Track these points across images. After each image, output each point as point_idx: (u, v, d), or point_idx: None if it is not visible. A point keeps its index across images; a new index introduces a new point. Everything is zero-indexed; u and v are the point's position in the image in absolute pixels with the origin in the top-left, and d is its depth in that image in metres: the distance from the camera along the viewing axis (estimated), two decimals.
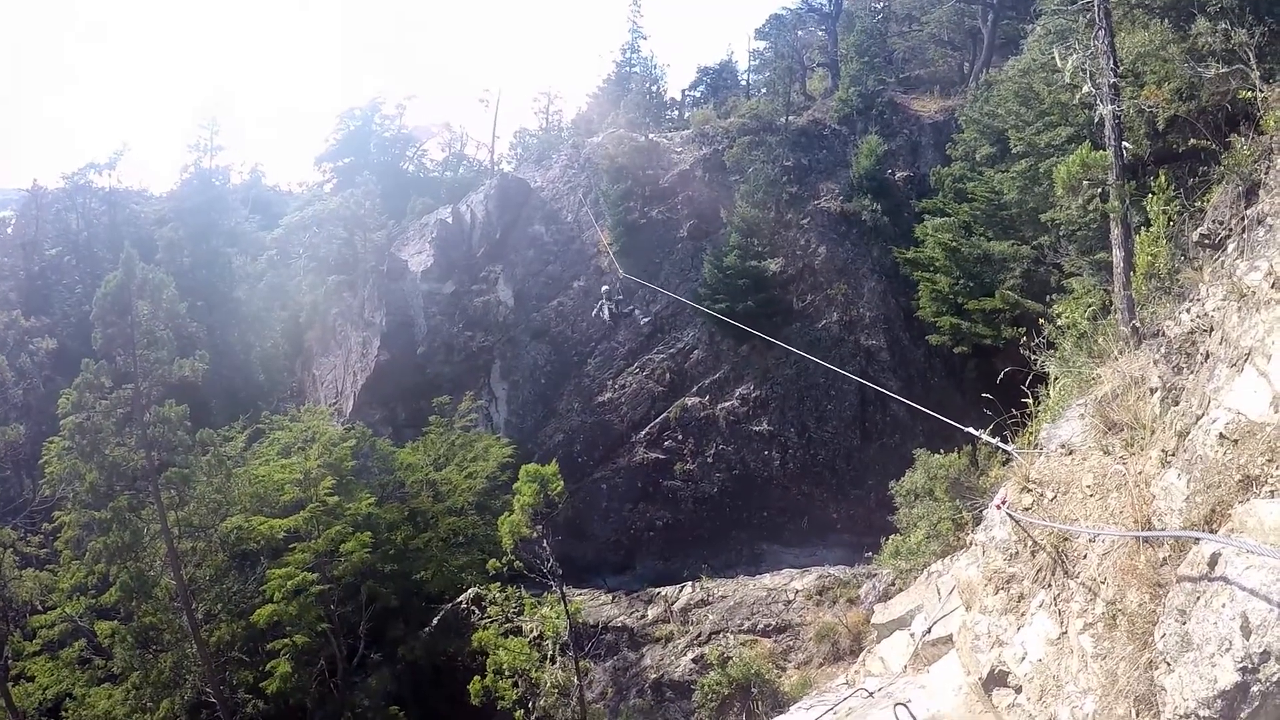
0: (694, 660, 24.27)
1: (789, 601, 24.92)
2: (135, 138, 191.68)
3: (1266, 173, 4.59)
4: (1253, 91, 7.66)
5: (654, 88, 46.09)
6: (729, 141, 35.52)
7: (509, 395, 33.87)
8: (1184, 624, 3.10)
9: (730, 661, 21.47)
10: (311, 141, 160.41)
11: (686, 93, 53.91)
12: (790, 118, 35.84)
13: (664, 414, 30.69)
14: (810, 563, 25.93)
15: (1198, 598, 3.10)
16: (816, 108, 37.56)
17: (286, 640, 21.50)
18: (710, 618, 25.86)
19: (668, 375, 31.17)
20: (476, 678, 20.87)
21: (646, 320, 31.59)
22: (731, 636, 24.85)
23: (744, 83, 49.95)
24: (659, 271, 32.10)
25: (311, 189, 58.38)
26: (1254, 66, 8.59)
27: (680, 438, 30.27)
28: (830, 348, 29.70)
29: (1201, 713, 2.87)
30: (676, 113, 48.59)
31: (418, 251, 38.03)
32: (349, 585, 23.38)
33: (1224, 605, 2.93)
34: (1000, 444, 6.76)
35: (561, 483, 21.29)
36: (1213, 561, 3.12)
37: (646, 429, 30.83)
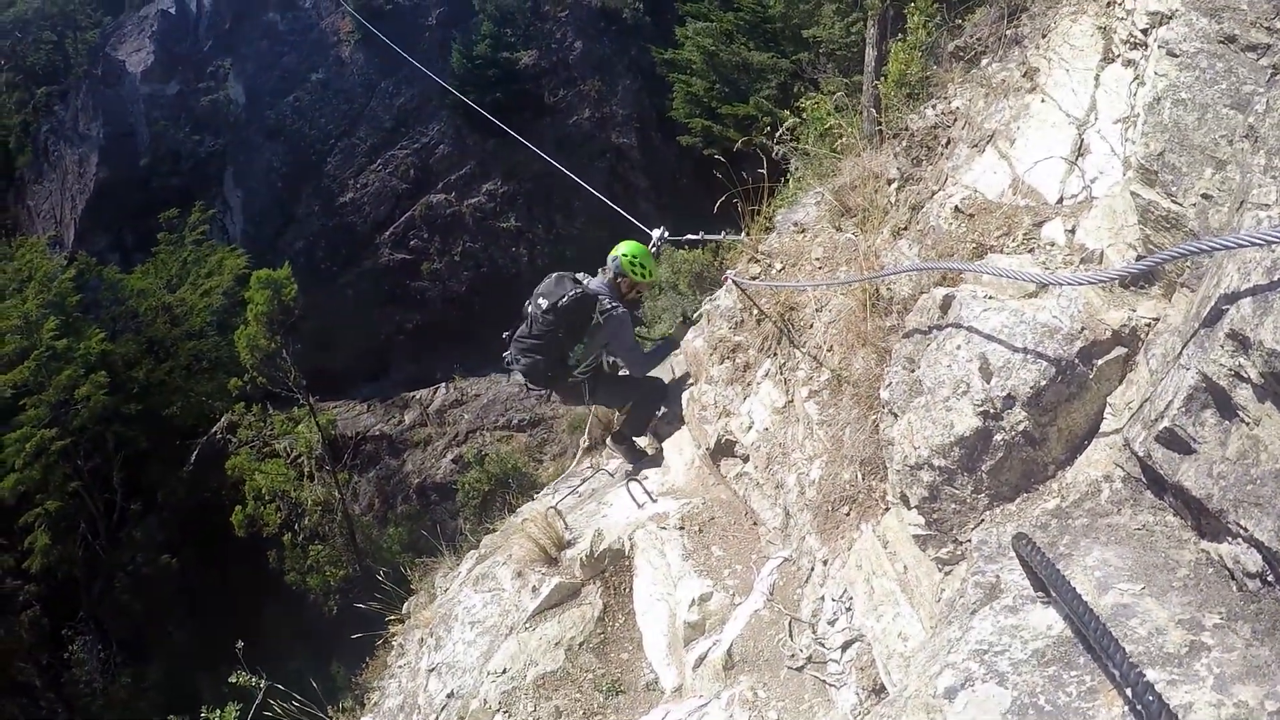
0: (453, 460, 24.44)
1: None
2: None
3: (1033, 3, 4.47)
4: None
5: None
6: None
7: (244, 203, 31.13)
8: (913, 371, 2.97)
9: (488, 458, 21.79)
10: None
11: None
12: None
13: (409, 212, 29.18)
14: None
15: (928, 344, 2.98)
16: None
17: (38, 509, 19.61)
18: (466, 417, 25.95)
19: (412, 171, 29.38)
20: (238, 507, 20.04)
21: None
22: (488, 434, 25.15)
23: None
24: (403, 63, 29.74)
25: None
26: None
27: (426, 236, 29.01)
28: (580, 144, 28.98)
29: (937, 462, 2.71)
30: None
31: (137, 49, 33.40)
32: (94, 435, 21.32)
33: (959, 348, 2.78)
34: (734, 236, 6.65)
35: (295, 285, 20.15)
36: (945, 305, 2.97)
37: (391, 229, 29.27)
